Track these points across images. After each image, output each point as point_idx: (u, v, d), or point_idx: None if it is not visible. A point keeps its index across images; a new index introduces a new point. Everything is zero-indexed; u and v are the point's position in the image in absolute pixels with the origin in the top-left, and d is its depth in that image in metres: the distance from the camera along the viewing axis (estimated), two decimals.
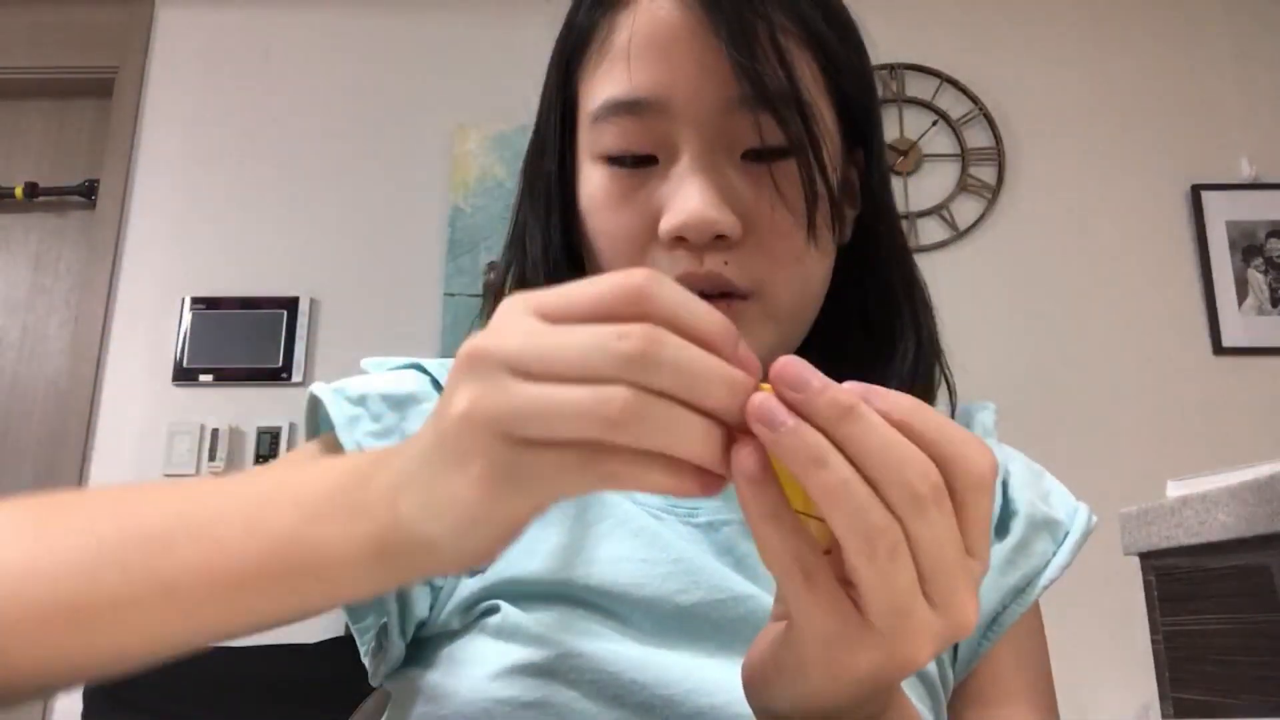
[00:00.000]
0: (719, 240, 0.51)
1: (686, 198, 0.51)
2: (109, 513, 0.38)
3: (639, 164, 0.53)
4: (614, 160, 0.54)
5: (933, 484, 0.31)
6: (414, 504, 0.32)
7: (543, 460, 0.30)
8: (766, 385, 0.31)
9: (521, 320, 0.31)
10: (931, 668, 0.54)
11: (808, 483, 0.30)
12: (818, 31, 0.53)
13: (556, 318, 0.31)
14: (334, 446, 0.54)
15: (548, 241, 0.58)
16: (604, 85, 0.53)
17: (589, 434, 0.29)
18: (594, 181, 0.55)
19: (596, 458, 0.30)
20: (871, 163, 0.59)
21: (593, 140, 0.55)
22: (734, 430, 0.31)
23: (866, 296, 0.59)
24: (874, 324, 0.59)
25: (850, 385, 0.32)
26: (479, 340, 0.31)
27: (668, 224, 0.51)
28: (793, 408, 0.30)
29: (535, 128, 0.61)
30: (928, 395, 0.58)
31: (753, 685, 0.38)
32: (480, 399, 0.30)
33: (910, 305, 0.59)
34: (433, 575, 0.37)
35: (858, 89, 0.57)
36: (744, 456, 0.31)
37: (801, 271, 0.54)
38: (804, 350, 0.57)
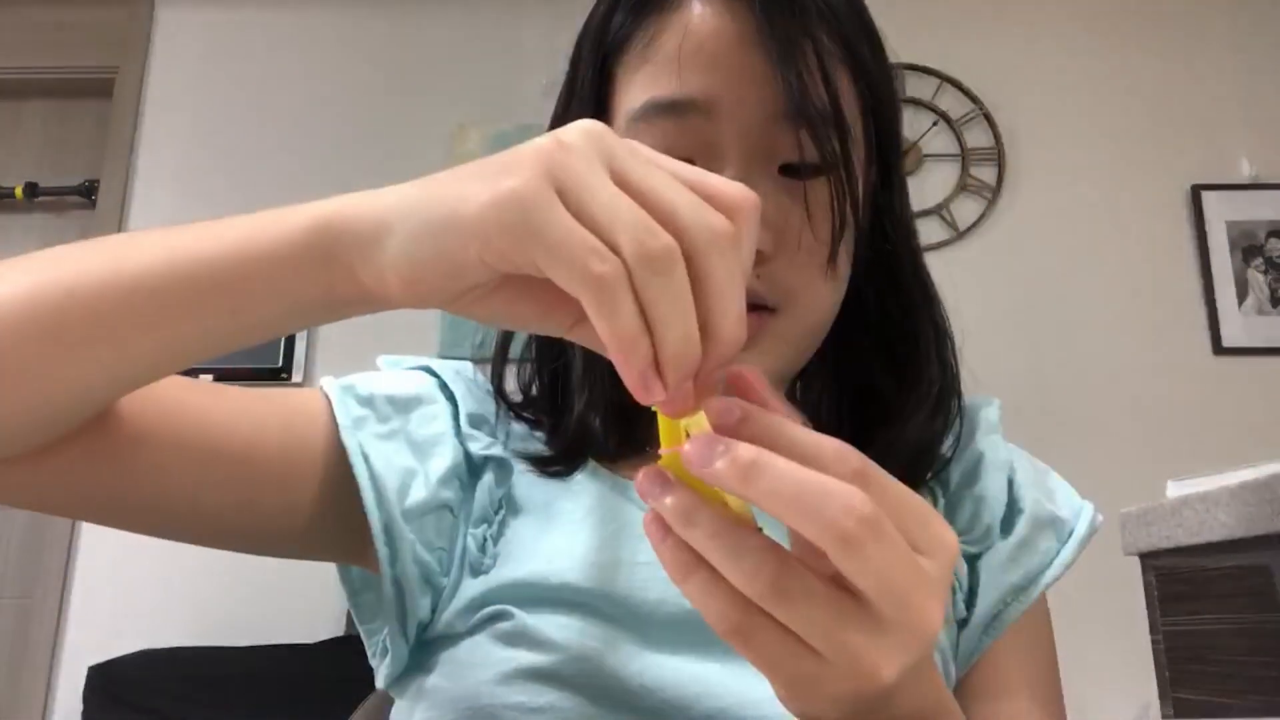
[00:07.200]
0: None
1: None
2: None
3: None
4: None
5: (860, 517, 0.29)
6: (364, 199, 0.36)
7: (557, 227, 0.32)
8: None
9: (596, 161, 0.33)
10: (936, 661, 0.54)
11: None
12: (860, 56, 0.54)
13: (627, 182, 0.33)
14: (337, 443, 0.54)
15: None
16: (646, 87, 0.54)
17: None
18: None
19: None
20: (893, 183, 0.60)
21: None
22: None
23: (885, 317, 0.60)
24: (893, 347, 0.60)
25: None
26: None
27: None
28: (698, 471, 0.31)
29: (557, 123, 0.60)
30: (942, 414, 0.59)
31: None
32: (555, 152, 0.33)
33: (934, 330, 0.60)
34: (359, 288, 0.37)
35: (888, 115, 0.58)
36: (649, 522, 0.32)
37: (824, 291, 0.55)
38: (820, 365, 0.59)
